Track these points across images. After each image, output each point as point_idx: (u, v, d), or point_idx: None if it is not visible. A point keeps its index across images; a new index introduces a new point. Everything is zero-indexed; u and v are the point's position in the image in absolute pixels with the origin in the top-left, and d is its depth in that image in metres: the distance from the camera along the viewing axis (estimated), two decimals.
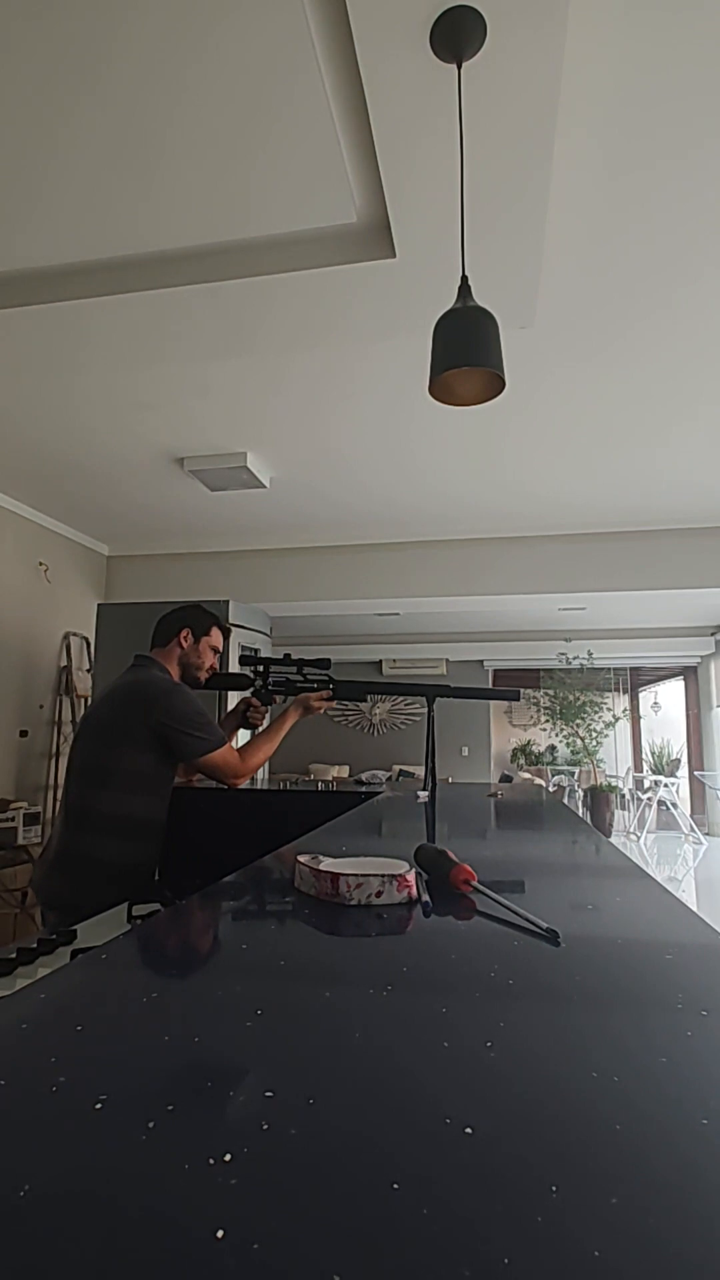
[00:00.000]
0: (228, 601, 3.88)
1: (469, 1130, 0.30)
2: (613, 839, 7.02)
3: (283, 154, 1.59)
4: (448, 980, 0.48)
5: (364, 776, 8.46)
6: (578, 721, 8.08)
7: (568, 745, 9.28)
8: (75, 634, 4.94)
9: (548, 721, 8.66)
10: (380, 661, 9.40)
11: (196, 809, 2.07)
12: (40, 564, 4.63)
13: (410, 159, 1.53)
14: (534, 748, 11.26)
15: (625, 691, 11.05)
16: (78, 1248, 0.23)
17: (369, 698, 5.85)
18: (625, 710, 10.95)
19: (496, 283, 1.88)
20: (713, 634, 7.86)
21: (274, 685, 1.90)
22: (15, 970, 0.84)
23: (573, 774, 9.93)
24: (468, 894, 0.72)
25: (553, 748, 11.03)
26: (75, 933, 0.98)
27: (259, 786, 2.16)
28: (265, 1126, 0.30)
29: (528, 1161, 0.28)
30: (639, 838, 7.65)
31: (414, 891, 0.70)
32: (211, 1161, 0.28)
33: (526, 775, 10.22)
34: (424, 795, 1.79)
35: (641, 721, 11.54)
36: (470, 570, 4.93)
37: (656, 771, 9.78)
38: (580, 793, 8.51)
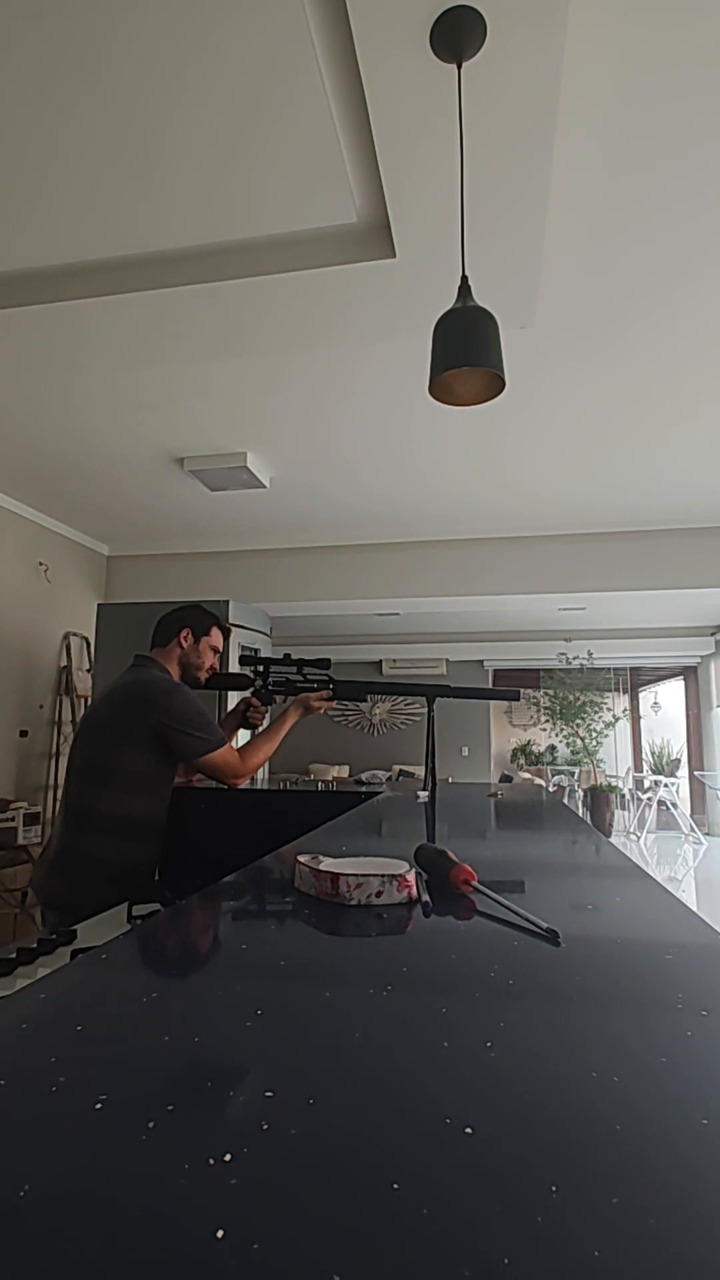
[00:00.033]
0: (228, 601, 3.88)
1: (469, 1130, 0.30)
2: (613, 839, 7.02)
3: (283, 154, 1.59)
4: (448, 980, 0.48)
5: (364, 776, 8.46)
6: (578, 721, 8.08)
7: (568, 745, 9.28)
8: (75, 634, 4.94)
9: (548, 721, 8.66)
10: (380, 661, 9.40)
11: (196, 809, 2.07)
12: (40, 564, 4.63)
13: (410, 159, 1.53)
14: (534, 748, 11.26)
15: (625, 691, 11.05)
16: (78, 1248, 0.23)
17: (369, 698, 5.85)
18: (625, 710, 10.95)
19: (496, 283, 1.88)
20: (713, 634, 7.86)
21: (274, 685, 1.90)
22: (15, 970, 0.84)
23: (573, 774, 9.93)
24: (468, 894, 0.72)
25: (553, 748, 11.04)
26: (75, 933, 0.98)
27: (259, 786, 2.16)
28: (265, 1126, 0.30)
29: (528, 1161, 0.28)
30: (639, 838, 7.65)
31: (414, 891, 0.70)
32: (211, 1161, 0.28)
33: (526, 775, 10.22)
34: (424, 795, 1.79)
35: (641, 721, 11.54)
36: (470, 570, 4.93)
37: (656, 771, 9.78)
38: (580, 793, 8.51)
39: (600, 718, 8.14)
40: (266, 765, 3.10)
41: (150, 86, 1.45)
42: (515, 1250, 0.23)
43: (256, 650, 4.14)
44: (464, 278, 1.29)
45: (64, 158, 1.62)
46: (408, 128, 1.45)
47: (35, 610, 4.58)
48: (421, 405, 3.02)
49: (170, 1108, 0.32)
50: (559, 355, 2.65)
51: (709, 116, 1.60)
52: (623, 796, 8.89)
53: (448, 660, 9.37)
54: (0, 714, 4.29)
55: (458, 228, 1.67)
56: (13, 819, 3.90)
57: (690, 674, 9.30)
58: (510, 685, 9.96)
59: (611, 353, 2.63)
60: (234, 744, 1.73)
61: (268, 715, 1.96)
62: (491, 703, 10.21)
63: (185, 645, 1.76)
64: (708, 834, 8.34)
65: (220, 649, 1.82)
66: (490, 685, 9.78)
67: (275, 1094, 0.33)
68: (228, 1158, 0.28)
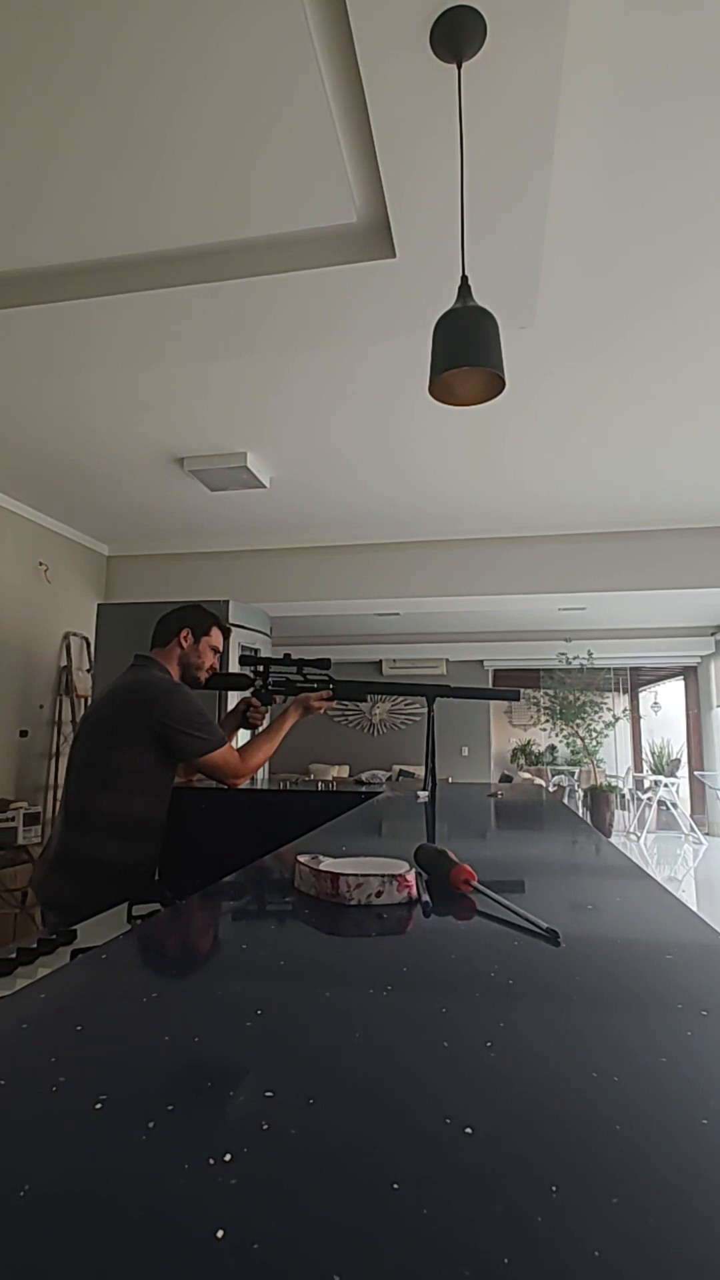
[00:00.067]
0: (228, 601, 3.88)
1: (469, 1130, 0.30)
2: (613, 839, 7.02)
3: (283, 154, 1.59)
4: (448, 980, 0.48)
5: (364, 776, 8.46)
6: (578, 721, 8.08)
7: (568, 745, 9.28)
8: (75, 634, 4.94)
9: (548, 721, 8.66)
10: (380, 661, 9.40)
11: (196, 809, 2.07)
12: (40, 564, 4.63)
13: (410, 159, 1.53)
14: (534, 748, 11.26)
15: (625, 691, 11.05)
16: (78, 1248, 0.23)
17: (369, 698, 5.85)
18: (625, 710, 10.95)
19: (496, 283, 1.88)
20: (713, 634, 7.86)
21: (274, 685, 1.90)
22: (15, 970, 0.84)
23: (573, 774, 9.93)
24: (468, 894, 0.72)
25: (553, 748, 11.04)
26: (75, 933, 0.98)
27: (259, 786, 2.16)
28: (265, 1126, 0.30)
29: (528, 1161, 0.28)
30: (639, 838, 7.65)
31: (414, 891, 0.70)
32: (211, 1161, 0.28)
33: (526, 775, 10.22)
34: (424, 795, 1.79)
35: (641, 721, 11.54)
36: (470, 570, 4.94)
37: (656, 771, 9.78)
38: (580, 793, 8.51)
39: (600, 718, 8.14)
40: (266, 765, 3.10)
41: (150, 86, 1.45)
42: (515, 1250, 0.23)
43: (256, 650, 4.14)
44: (464, 278, 1.29)
45: (64, 158, 1.62)
46: (408, 128, 1.45)
47: (35, 610, 4.58)
48: (421, 405, 3.02)
49: (170, 1108, 0.32)
50: (559, 355, 2.65)
51: (709, 116, 1.60)
52: (623, 796, 8.89)
53: (448, 660, 9.37)
54: (0, 714, 4.29)
55: (458, 228, 1.67)
56: (13, 819, 3.90)
57: (690, 674, 9.30)
58: (510, 685, 9.96)
59: (611, 353, 2.63)
60: (234, 744, 1.73)
61: (268, 715, 1.96)
62: (491, 703, 10.21)
63: (185, 645, 1.76)
64: (708, 834, 8.34)
65: (220, 649, 1.82)
66: (490, 685, 9.78)
67: (275, 1094, 0.33)
68: (228, 1158, 0.28)
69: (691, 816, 8.52)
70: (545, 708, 8.54)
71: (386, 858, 0.78)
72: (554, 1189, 0.26)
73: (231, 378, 2.88)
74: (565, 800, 7.45)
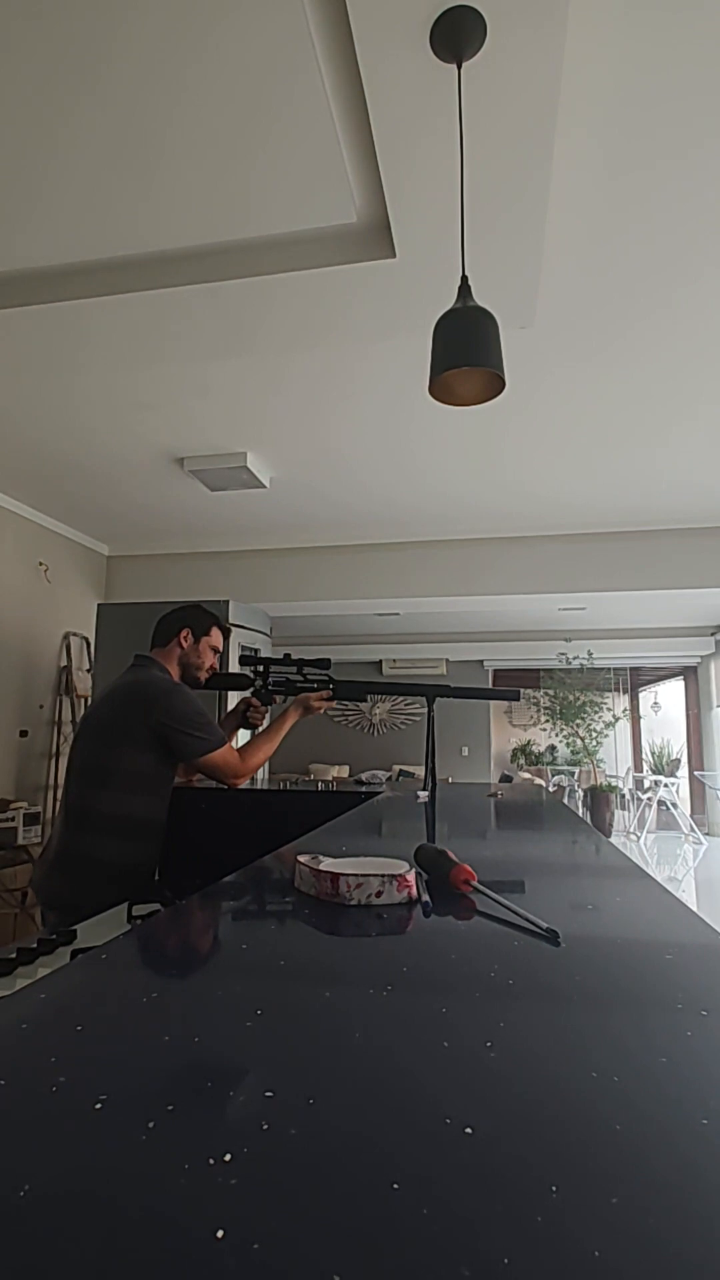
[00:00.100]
0: (228, 601, 3.88)
1: (469, 1130, 0.30)
2: (613, 839, 7.02)
3: (283, 154, 1.59)
4: (448, 980, 0.48)
5: (364, 776, 8.46)
6: (578, 721, 8.08)
7: (568, 745, 9.28)
8: (75, 634, 4.94)
9: (548, 721, 8.66)
10: (380, 661, 9.40)
11: (196, 809, 2.07)
12: (40, 564, 4.63)
13: (410, 159, 1.53)
14: (534, 748, 11.26)
15: (625, 691, 11.05)
16: (78, 1248, 0.23)
17: (369, 698, 5.85)
18: (625, 710, 10.95)
19: (496, 283, 1.88)
20: (713, 634, 7.86)
21: (274, 685, 1.90)
22: (15, 970, 0.84)
23: (573, 774, 9.93)
24: (468, 894, 0.72)
25: (553, 748, 11.04)
26: (75, 933, 0.98)
27: (259, 786, 2.16)
28: (265, 1126, 0.30)
29: (528, 1161, 0.28)
30: (639, 838, 7.65)
31: (414, 891, 0.70)
32: (211, 1161, 0.28)
33: (526, 775, 10.22)
34: (424, 795, 1.79)
35: (641, 721, 11.54)
36: (470, 570, 4.94)
37: (656, 771, 9.78)
38: (580, 793, 8.51)
39: (600, 718, 8.14)
40: (266, 765, 3.10)
41: (150, 86, 1.45)
42: (515, 1250, 0.23)
43: (256, 650, 4.14)
44: (464, 278, 1.29)
45: (64, 158, 1.62)
46: (408, 128, 1.45)
47: (35, 610, 4.58)
48: (421, 405, 3.01)
49: (170, 1108, 0.32)
50: (559, 355, 2.65)
51: (709, 116, 1.60)
52: (623, 796, 8.89)
53: (448, 660, 9.37)
54: (0, 714, 4.29)
55: (458, 228, 1.67)
56: (13, 819, 3.90)
57: (690, 674, 9.30)
58: (510, 685, 9.96)
59: (611, 353, 2.63)
60: (234, 744, 1.73)
61: (268, 715, 1.96)
62: (491, 703, 10.21)
63: (185, 645, 1.76)
64: (708, 834, 8.34)
65: (220, 649, 1.82)
66: (490, 685, 9.78)
67: (275, 1094, 0.33)
68: (228, 1158, 0.28)
69: (691, 816, 8.52)
70: (545, 708, 8.54)
71: (386, 858, 0.78)
72: (554, 1189, 0.26)
73: (231, 378, 2.88)
74: (565, 800, 7.45)
